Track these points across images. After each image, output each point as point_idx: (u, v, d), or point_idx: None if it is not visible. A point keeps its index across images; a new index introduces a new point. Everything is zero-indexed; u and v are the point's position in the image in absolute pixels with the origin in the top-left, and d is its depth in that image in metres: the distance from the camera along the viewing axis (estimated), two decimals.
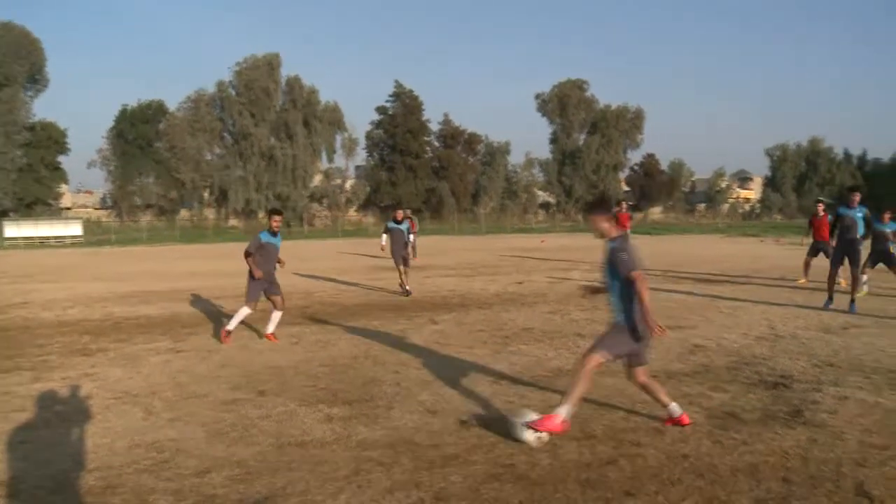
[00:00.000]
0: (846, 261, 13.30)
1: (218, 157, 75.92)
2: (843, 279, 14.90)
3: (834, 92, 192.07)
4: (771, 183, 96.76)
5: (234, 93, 74.60)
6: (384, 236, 17.11)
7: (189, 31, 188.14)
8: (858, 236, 13.27)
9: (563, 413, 5.76)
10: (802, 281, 17.66)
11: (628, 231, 24.46)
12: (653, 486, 4.99)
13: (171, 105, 77.17)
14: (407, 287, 16.40)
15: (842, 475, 5.16)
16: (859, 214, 13.30)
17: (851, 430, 6.15)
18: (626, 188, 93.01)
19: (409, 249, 17.15)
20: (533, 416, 5.90)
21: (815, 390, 7.48)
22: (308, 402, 7.32)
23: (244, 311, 10.78)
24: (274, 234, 10.97)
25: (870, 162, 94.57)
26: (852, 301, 13.16)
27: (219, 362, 9.31)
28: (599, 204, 6.28)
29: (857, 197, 13.37)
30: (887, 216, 15.39)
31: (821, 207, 18.39)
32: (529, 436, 5.80)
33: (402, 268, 16.57)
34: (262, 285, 10.82)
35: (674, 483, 5.05)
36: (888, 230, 15.05)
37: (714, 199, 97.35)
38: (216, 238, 54.05)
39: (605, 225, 6.06)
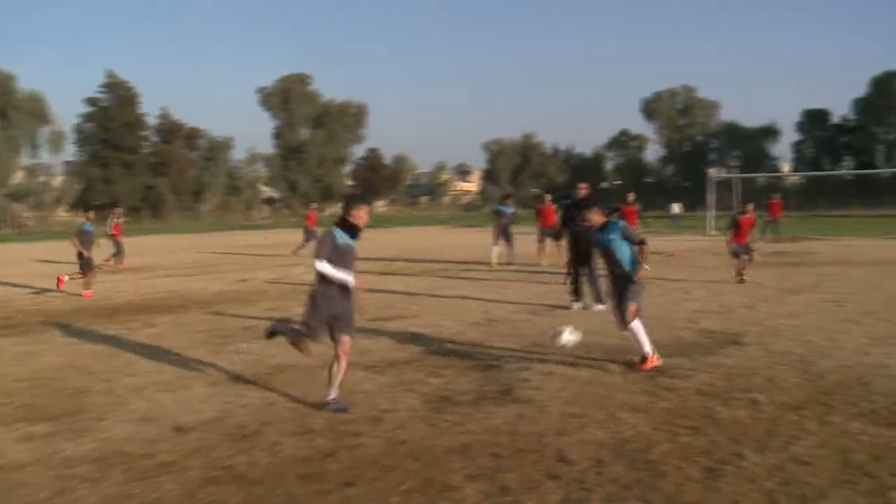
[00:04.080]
0: None
1: None
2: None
3: (545, 89, 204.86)
4: (489, 175, 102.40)
5: None
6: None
7: None
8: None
9: None
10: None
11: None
12: (372, 474, 5.08)
13: None
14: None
15: (545, 445, 5.56)
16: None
17: (554, 403, 6.64)
18: (350, 182, 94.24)
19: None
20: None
21: (524, 369, 7.99)
22: (4, 422, 6.64)
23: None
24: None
25: (575, 156, 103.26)
26: None
27: None
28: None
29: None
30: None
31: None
32: None
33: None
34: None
35: (392, 469, 5.17)
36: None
37: (436, 191, 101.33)
38: None
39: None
